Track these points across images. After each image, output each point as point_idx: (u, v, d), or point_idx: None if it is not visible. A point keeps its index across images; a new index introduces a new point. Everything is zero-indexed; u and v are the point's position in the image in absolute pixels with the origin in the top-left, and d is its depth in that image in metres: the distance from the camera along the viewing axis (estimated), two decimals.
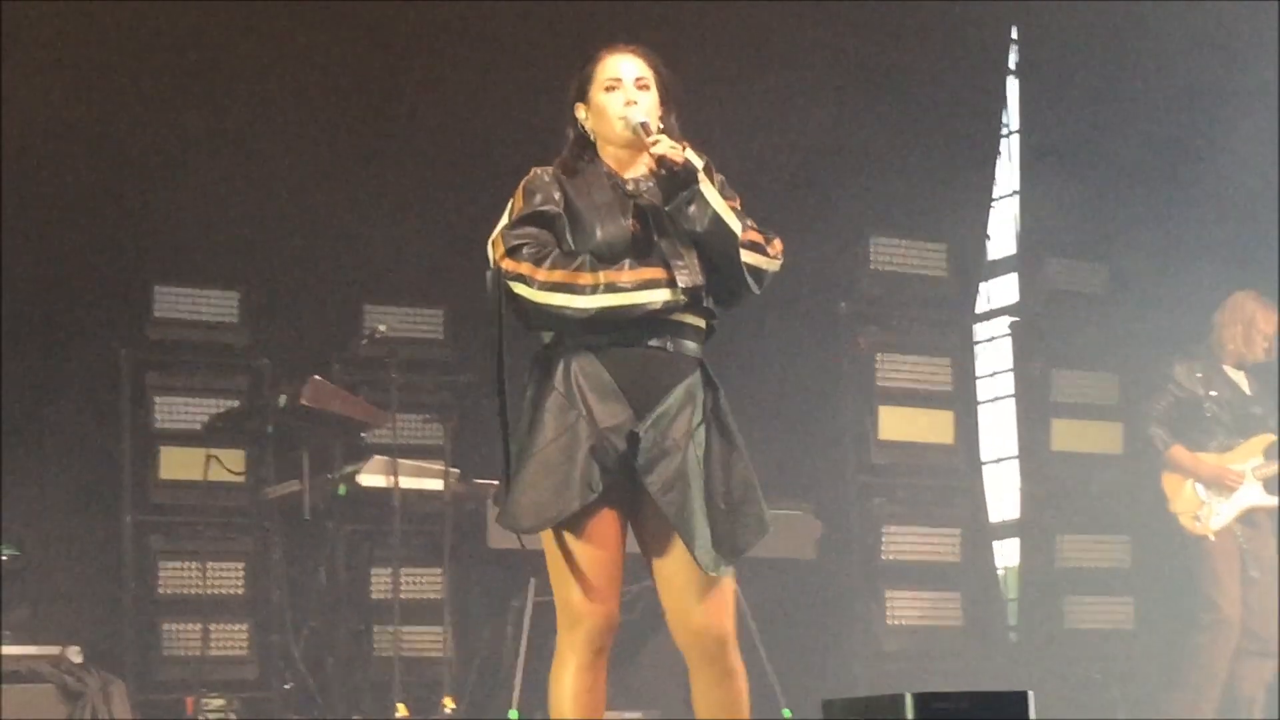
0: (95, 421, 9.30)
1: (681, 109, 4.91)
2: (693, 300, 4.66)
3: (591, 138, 4.86)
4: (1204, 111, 9.83)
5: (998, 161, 10.77)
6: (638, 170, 4.81)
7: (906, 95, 10.14)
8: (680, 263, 4.63)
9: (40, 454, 9.22)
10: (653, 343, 4.63)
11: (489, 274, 4.68)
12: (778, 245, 4.81)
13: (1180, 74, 9.89)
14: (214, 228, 9.62)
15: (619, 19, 9.10)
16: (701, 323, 4.74)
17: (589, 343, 4.62)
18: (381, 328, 8.44)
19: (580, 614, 4.59)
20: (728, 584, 4.65)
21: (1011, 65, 10.79)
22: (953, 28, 10.24)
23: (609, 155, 4.83)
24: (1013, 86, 10.86)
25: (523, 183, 4.77)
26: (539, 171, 4.78)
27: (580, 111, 4.86)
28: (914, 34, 10.20)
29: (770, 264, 4.78)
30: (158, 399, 9.24)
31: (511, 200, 4.76)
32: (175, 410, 9.26)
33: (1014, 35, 10.73)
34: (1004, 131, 10.85)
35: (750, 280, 4.72)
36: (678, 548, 4.58)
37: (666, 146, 4.63)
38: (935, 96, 10.13)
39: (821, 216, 10.09)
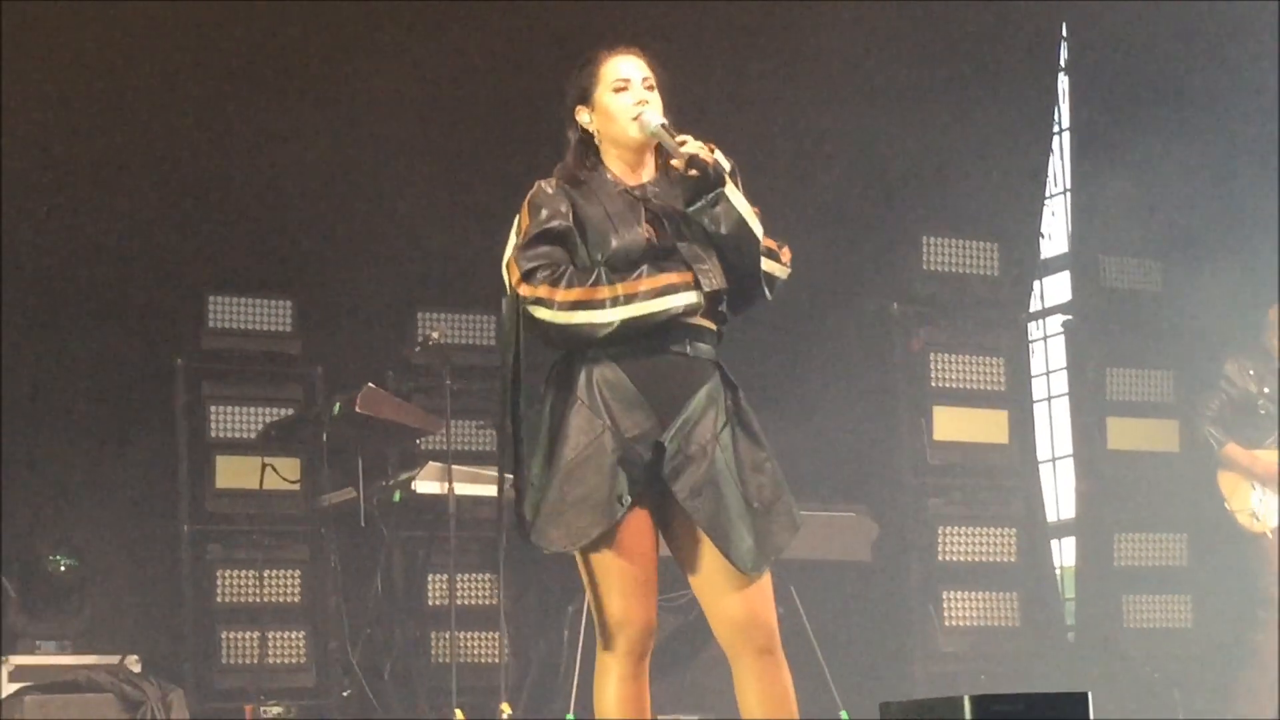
0: (151, 431, 9.35)
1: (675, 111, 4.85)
2: (710, 304, 4.64)
3: (595, 140, 4.80)
4: (1258, 107, 9.77)
5: (1050, 159, 10.72)
6: (642, 175, 4.77)
7: (957, 94, 10.11)
8: (704, 266, 4.60)
9: (98, 465, 9.27)
10: (672, 348, 4.59)
11: (504, 299, 4.65)
12: (788, 253, 4.77)
13: (1233, 68, 9.83)
14: (267, 237, 9.67)
15: (682, 21, 9.14)
16: (714, 326, 4.69)
17: (609, 351, 4.58)
18: (434, 334, 8.45)
19: (619, 623, 4.56)
20: (765, 576, 4.62)
21: (1062, 62, 10.74)
22: (1002, 25, 10.20)
23: (612, 159, 4.77)
24: (1064, 83, 10.82)
25: (528, 198, 4.70)
26: (542, 185, 4.71)
27: (583, 114, 4.78)
28: (964, 32, 10.17)
29: (783, 271, 4.76)
30: (213, 408, 9.29)
31: (518, 218, 4.70)
32: (230, 419, 9.30)
33: (1064, 32, 10.68)
34: (1055, 129, 10.81)
35: (764, 286, 4.70)
36: (712, 550, 4.56)
37: (697, 146, 4.58)
38: (986, 95, 10.09)
39: (874, 216, 10.08)
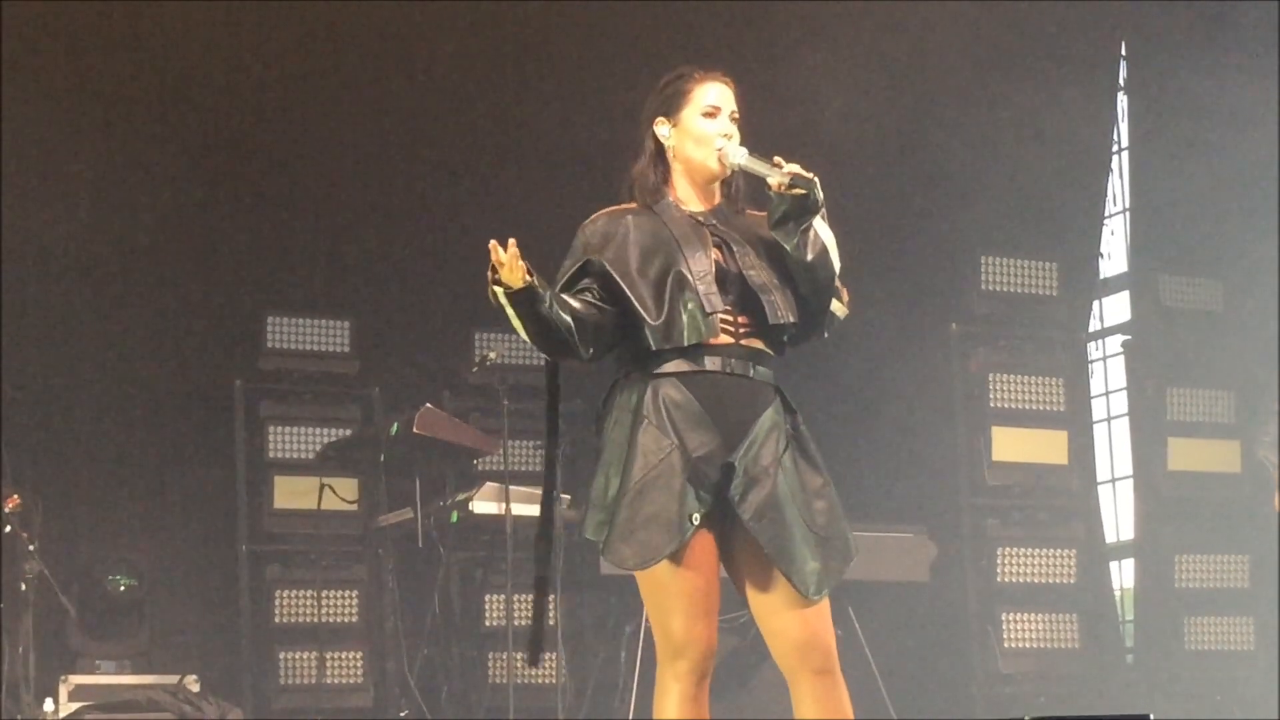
0: (210, 452, 9.39)
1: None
2: (772, 334, 4.61)
3: (669, 157, 4.75)
4: None
5: (1109, 178, 10.67)
6: (706, 204, 4.72)
7: (1016, 113, 10.07)
8: (771, 297, 4.57)
9: (157, 485, 9.32)
10: (735, 370, 4.57)
11: None
12: (847, 294, 4.75)
13: None
14: (325, 257, 9.70)
15: (734, 33, 9.12)
16: (773, 352, 4.65)
17: (672, 370, 4.55)
18: (491, 355, 8.46)
19: (682, 643, 4.53)
20: (824, 598, 4.59)
21: (1121, 81, 10.69)
22: (1062, 44, 10.16)
23: (681, 180, 4.73)
24: (1123, 102, 10.77)
25: (582, 225, 4.70)
26: (599, 215, 4.70)
27: (663, 127, 4.72)
28: (1023, 51, 10.13)
29: (843, 311, 4.74)
30: (271, 429, 9.33)
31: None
32: (289, 440, 9.34)
33: (1123, 51, 10.64)
34: (1115, 148, 10.76)
35: (825, 323, 4.70)
36: (771, 572, 4.53)
37: (799, 167, 4.53)
38: (1044, 113, 10.05)
39: (932, 236, 10.05)
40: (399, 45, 9.45)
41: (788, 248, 4.57)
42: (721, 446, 4.52)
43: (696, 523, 4.47)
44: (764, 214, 4.66)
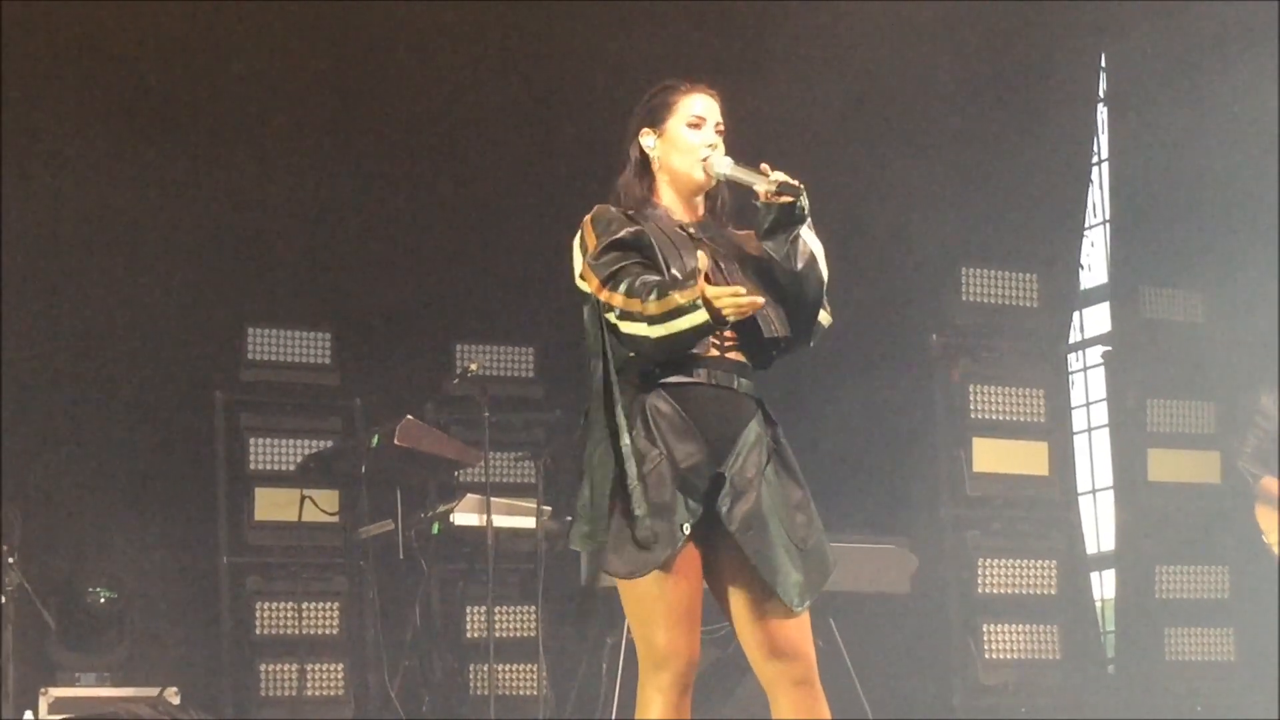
0: (191, 464, 9.37)
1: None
2: (762, 348, 4.61)
3: (654, 167, 4.74)
4: None
5: (1089, 189, 10.69)
6: (691, 215, 4.72)
7: (996, 124, 10.09)
8: (764, 312, 4.56)
9: (137, 497, 9.29)
10: (720, 382, 4.57)
11: (586, 308, 4.61)
12: (828, 304, 4.75)
13: (1272, 98, 9.79)
14: (305, 269, 9.69)
15: (718, 58, 9.12)
16: (754, 365, 4.65)
17: (658, 379, 4.54)
18: (473, 366, 8.45)
19: (666, 655, 4.52)
20: (804, 611, 4.59)
21: (1101, 93, 10.71)
22: (1041, 57, 10.18)
23: (666, 190, 4.73)
24: (1102, 114, 10.79)
25: (588, 219, 4.60)
26: (601, 208, 4.63)
27: (648, 138, 4.72)
28: (1002, 63, 10.15)
29: (828, 320, 4.74)
30: (252, 440, 9.31)
31: (578, 238, 4.61)
32: (269, 451, 9.32)
33: (1102, 63, 10.66)
34: (1095, 159, 10.78)
35: (811, 333, 4.70)
36: (752, 583, 4.53)
37: (786, 176, 4.53)
38: (1025, 125, 10.07)
39: (912, 248, 10.05)
40: (382, 58, 9.45)
41: (777, 257, 4.57)
42: (708, 458, 4.52)
43: (687, 533, 4.47)
44: (748, 231, 4.67)
